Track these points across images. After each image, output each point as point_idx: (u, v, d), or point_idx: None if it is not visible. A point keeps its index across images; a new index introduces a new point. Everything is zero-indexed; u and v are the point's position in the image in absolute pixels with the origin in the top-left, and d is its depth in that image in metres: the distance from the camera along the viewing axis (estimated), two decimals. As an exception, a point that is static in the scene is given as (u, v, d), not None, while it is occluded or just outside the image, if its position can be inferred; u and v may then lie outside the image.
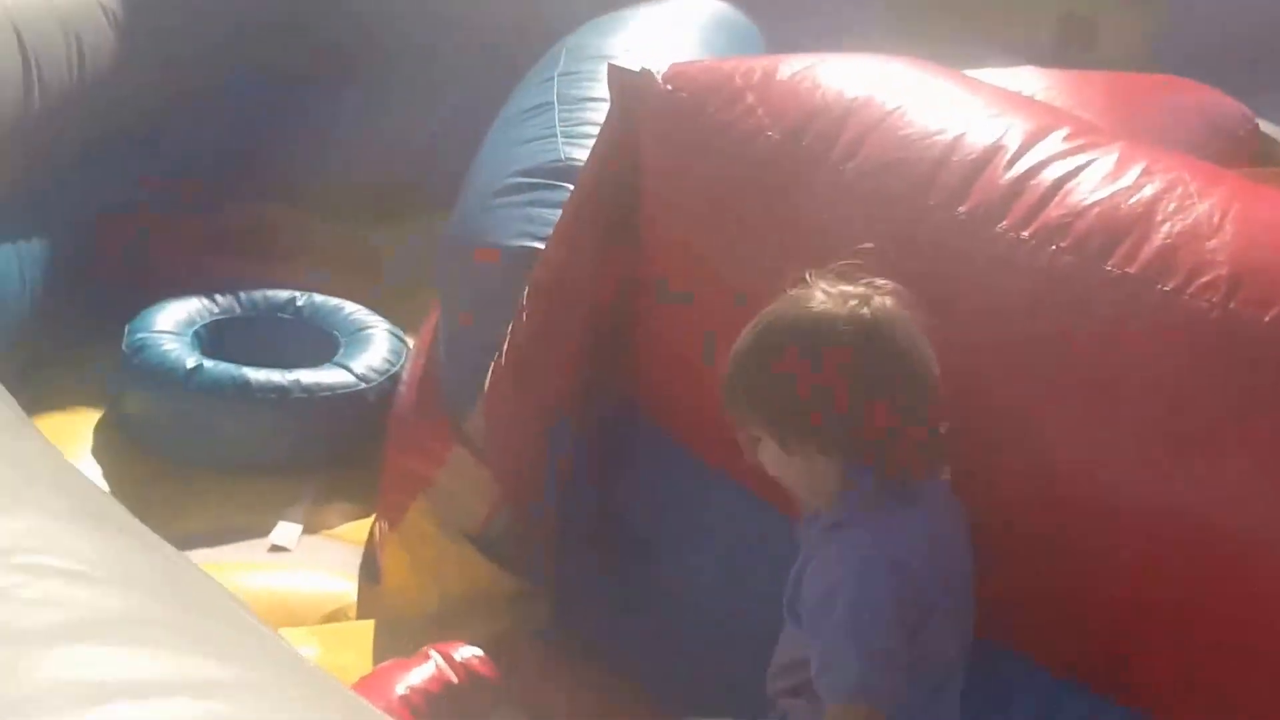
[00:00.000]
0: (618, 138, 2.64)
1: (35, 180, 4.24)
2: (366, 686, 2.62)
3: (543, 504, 2.85)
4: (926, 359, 1.99)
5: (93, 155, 4.52)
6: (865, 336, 1.97)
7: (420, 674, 2.64)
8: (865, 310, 1.98)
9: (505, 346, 2.83)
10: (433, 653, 2.69)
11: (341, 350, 4.09)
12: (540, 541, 2.91)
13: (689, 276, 2.53)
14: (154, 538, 1.62)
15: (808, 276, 2.04)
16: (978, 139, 2.23)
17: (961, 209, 2.16)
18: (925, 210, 2.19)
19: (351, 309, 4.30)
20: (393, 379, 3.95)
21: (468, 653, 2.70)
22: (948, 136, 2.25)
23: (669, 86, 2.53)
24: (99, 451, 3.92)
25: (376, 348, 4.08)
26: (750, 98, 2.42)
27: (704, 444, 2.57)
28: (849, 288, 2.01)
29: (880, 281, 2.02)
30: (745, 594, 2.49)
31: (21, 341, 4.18)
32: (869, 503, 2.01)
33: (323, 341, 4.17)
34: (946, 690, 2.06)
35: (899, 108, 2.32)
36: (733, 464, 2.34)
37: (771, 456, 2.06)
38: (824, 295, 2.00)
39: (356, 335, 4.15)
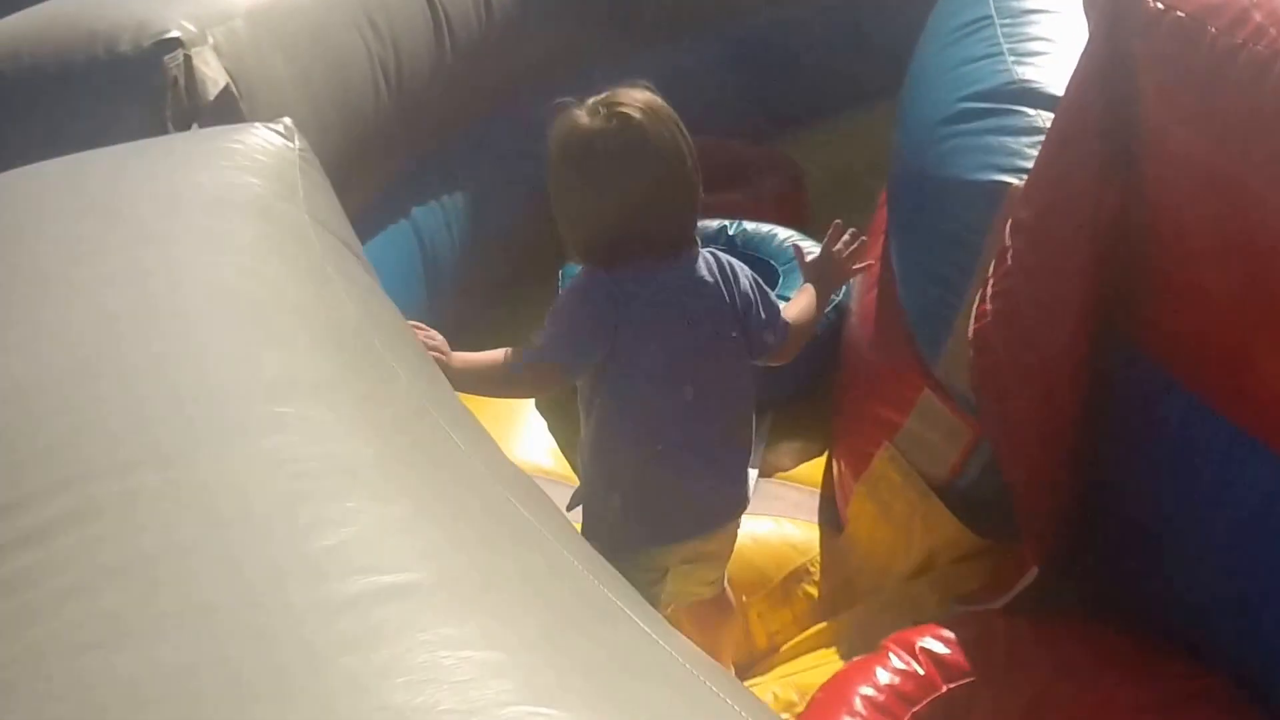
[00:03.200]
0: (1105, 61, 2.38)
1: (452, 134, 4.26)
2: (828, 691, 2.53)
3: (1038, 468, 2.66)
4: (664, 156, 2.35)
5: (502, 103, 4.52)
6: (604, 140, 2.33)
7: (884, 674, 2.51)
8: (610, 121, 2.33)
9: (987, 292, 2.62)
10: (893, 647, 2.56)
11: (780, 281, 3.96)
12: (1031, 510, 2.73)
13: (1205, 211, 2.26)
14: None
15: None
16: None
17: None
18: None
19: (784, 235, 4.17)
20: (836, 309, 3.81)
21: (931, 642, 2.55)
22: None
23: (1159, 5, 2.25)
24: (549, 405, 3.91)
25: (816, 277, 3.92)
26: (1258, 16, 2.12)
27: (1236, 405, 2.30)
28: (601, 102, 2.37)
29: (638, 94, 2.38)
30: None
31: (456, 293, 4.24)
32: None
33: (759, 270, 4.03)
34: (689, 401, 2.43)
35: None
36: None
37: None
38: (584, 111, 2.37)
39: (793, 265, 4.00)
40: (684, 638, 1.50)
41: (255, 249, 1.99)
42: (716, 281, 2.48)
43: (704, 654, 1.52)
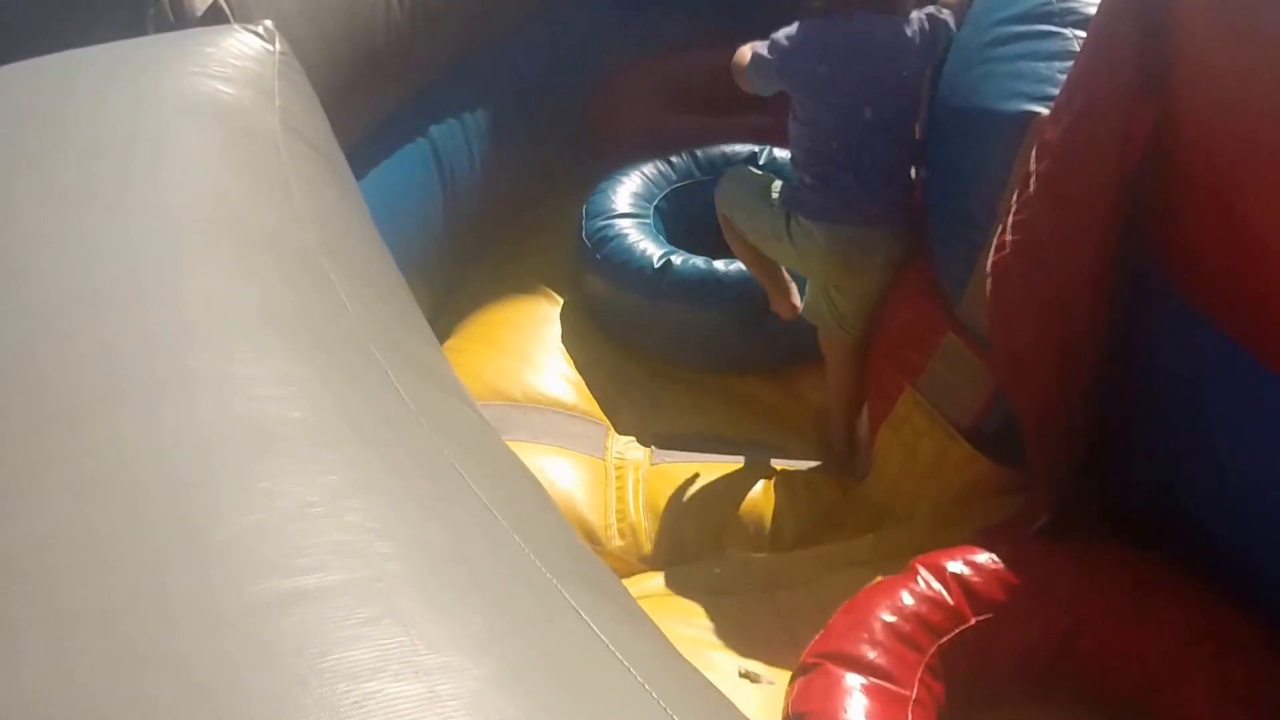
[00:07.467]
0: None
1: (473, 50, 4.13)
2: (850, 614, 2.37)
3: (1055, 401, 2.51)
4: None
5: (526, 20, 4.38)
6: None
7: (909, 598, 2.36)
8: None
9: (1009, 222, 2.46)
10: (921, 568, 2.41)
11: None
12: (1047, 445, 2.58)
13: (1241, 132, 2.07)
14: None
15: None
16: None
17: None
18: None
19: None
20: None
21: (961, 567, 2.40)
22: None
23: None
24: (569, 339, 3.81)
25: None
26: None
27: (1251, 332, 2.15)
28: None
29: None
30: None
31: (477, 213, 4.13)
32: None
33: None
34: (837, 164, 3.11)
35: None
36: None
37: None
38: None
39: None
40: (644, 638, 1.36)
41: (213, 165, 1.85)
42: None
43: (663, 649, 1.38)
